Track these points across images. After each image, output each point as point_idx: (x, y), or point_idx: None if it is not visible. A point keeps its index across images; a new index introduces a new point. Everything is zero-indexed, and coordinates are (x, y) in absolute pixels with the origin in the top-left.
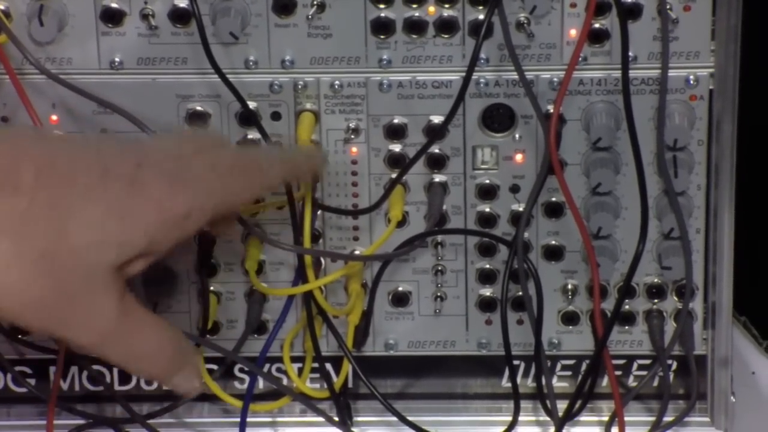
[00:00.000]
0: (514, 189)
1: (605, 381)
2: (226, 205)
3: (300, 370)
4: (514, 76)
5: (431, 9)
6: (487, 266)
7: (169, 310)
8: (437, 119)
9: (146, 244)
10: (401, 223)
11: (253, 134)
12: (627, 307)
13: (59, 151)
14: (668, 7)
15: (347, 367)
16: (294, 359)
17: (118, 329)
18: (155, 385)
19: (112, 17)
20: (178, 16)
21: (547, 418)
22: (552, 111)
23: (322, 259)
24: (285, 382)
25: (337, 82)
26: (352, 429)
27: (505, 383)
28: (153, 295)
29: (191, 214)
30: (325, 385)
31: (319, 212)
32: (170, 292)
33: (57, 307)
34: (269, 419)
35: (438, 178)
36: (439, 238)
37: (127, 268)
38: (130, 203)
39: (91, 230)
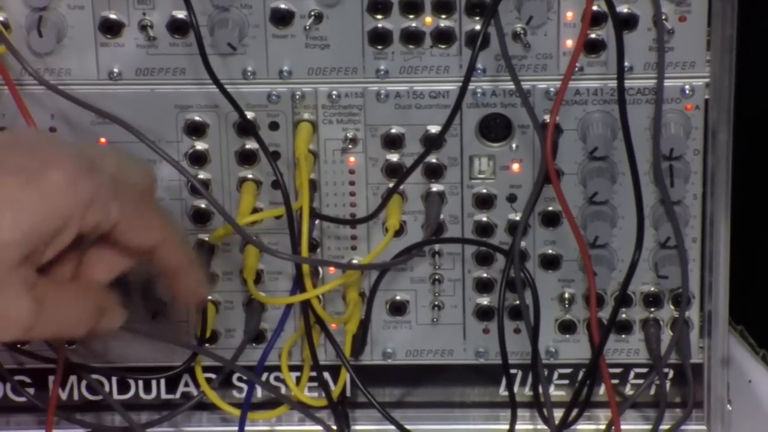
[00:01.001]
0: (511, 198)
1: (602, 389)
2: (126, 223)
3: (298, 379)
4: (511, 86)
5: (428, 19)
6: (485, 275)
7: (167, 320)
8: (434, 129)
9: (52, 232)
10: (399, 232)
11: (251, 144)
12: (624, 315)
13: None
14: (664, 17)
15: (345, 376)
16: (292, 368)
17: (38, 318)
18: (154, 395)
19: (110, 28)
20: (177, 27)
21: (545, 427)
22: (548, 121)
23: (320, 269)
24: (283, 390)
25: (334, 92)
26: None
27: (503, 392)
28: (151, 304)
29: (95, 204)
30: (323, 394)
31: (317, 222)
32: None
33: None
34: (267, 428)
35: (435, 187)
36: (437, 247)
37: (36, 256)
38: (29, 194)
39: None
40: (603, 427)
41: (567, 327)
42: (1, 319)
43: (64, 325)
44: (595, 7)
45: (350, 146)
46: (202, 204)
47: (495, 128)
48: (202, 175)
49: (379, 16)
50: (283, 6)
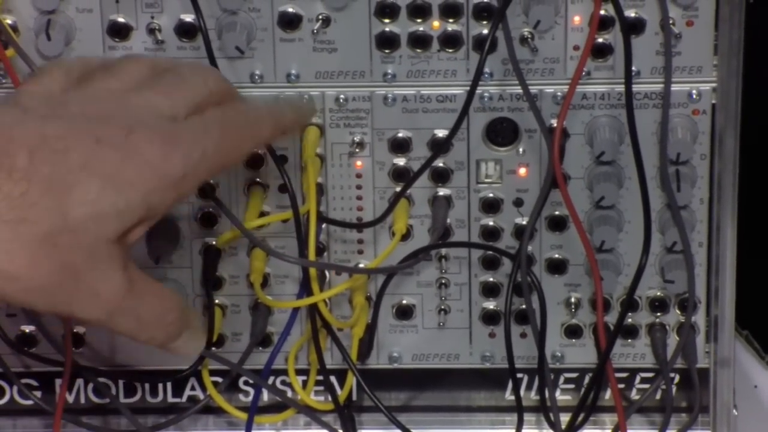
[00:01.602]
0: (518, 203)
1: (608, 394)
2: (220, 163)
3: (304, 383)
4: (518, 90)
5: (436, 24)
6: (491, 279)
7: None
8: (441, 133)
9: (145, 210)
10: (405, 236)
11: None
12: (630, 320)
13: (48, 127)
14: (671, 22)
15: (351, 380)
16: (298, 372)
17: (125, 300)
18: (160, 398)
19: (118, 31)
20: (185, 31)
21: (551, 431)
22: (555, 125)
23: (327, 272)
24: (289, 394)
25: (342, 96)
26: None
27: (509, 396)
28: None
29: (187, 175)
30: (330, 398)
31: (323, 225)
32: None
33: (63, 287)
34: None
35: (442, 191)
36: (443, 251)
37: (128, 236)
38: (125, 170)
39: (89, 204)
40: (609, 431)
41: (573, 331)
42: (91, 294)
43: (143, 322)
44: (602, 12)
45: (357, 150)
46: (210, 207)
47: (502, 132)
48: None
49: (386, 20)
50: (290, 10)
